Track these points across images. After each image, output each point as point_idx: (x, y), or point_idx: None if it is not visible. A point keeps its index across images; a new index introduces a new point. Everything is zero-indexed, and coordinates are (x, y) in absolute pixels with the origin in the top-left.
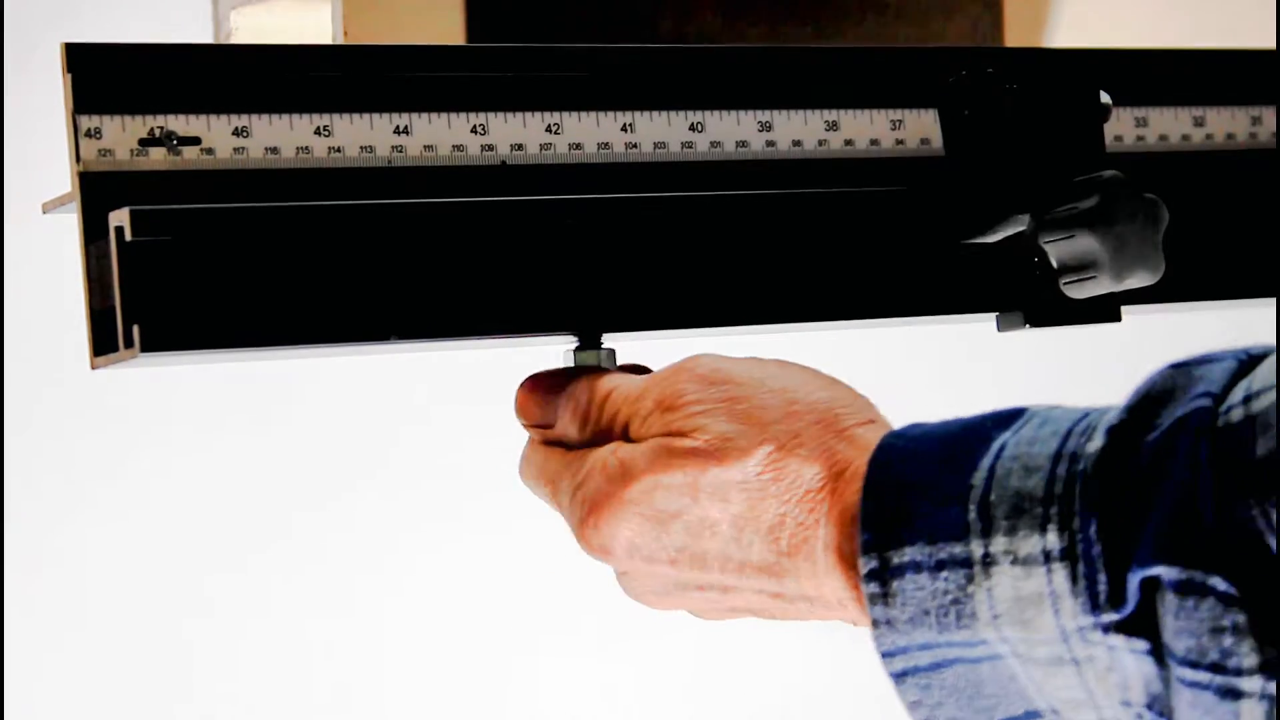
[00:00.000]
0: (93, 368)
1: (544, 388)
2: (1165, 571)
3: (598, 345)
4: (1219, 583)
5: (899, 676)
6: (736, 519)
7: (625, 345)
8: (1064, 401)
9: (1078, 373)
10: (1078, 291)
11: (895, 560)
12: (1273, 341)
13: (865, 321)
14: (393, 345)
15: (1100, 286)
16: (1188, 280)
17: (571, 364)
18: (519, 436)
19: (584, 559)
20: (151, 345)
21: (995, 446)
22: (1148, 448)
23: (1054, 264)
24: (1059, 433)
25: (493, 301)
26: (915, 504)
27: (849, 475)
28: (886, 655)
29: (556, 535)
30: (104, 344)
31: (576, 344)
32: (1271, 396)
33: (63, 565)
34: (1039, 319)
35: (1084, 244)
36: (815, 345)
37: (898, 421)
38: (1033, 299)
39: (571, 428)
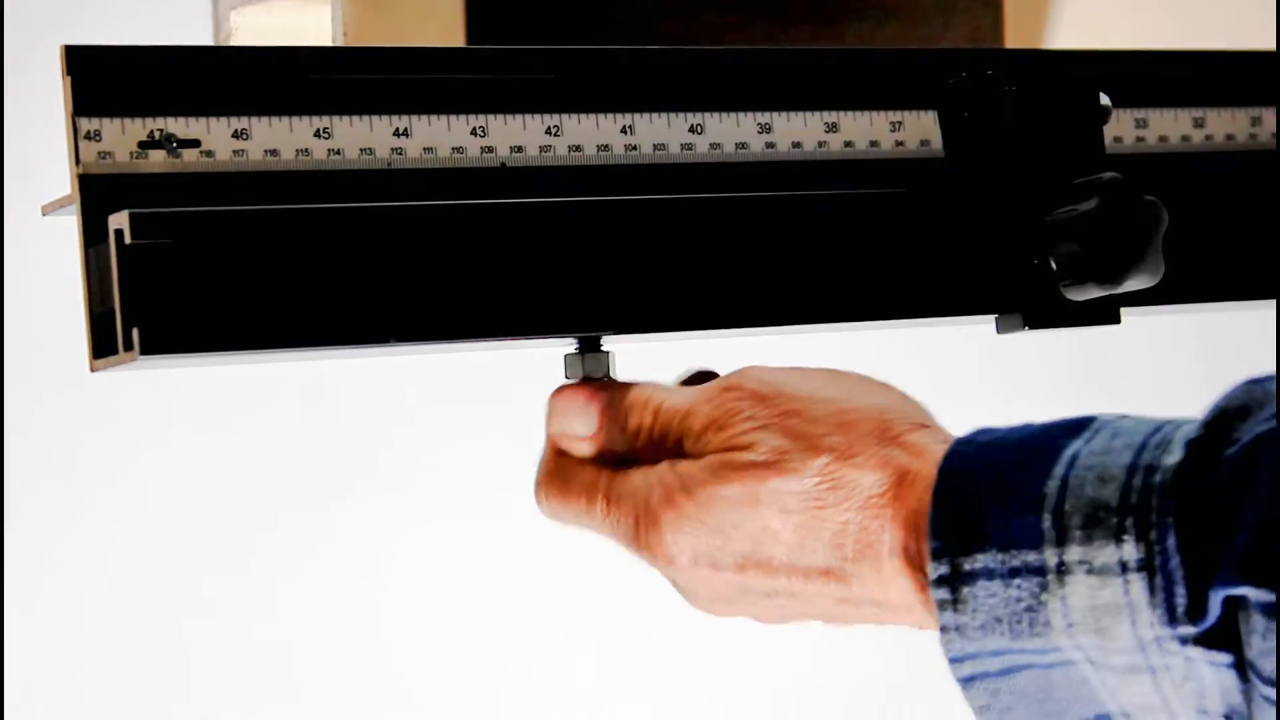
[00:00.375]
0: (92, 370)
1: (586, 397)
2: (1252, 593)
3: (598, 348)
4: None
5: (967, 681)
6: (799, 527)
7: (625, 347)
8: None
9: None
10: (1077, 293)
11: (967, 567)
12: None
13: (865, 323)
14: (392, 348)
15: (1100, 288)
16: (1188, 280)
17: (572, 368)
18: (517, 437)
19: (581, 560)
20: (151, 348)
21: (1067, 455)
22: (1228, 462)
23: (1053, 265)
24: (1133, 445)
25: (492, 304)
26: (987, 511)
27: (910, 480)
28: (955, 660)
29: (550, 534)
30: (103, 346)
31: (576, 347)
32: None
33: (62, 565)
34: (1038, 321)
35: (1083, 246)
36: (815, 346)
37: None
38: (1032, 301)
39: (619, 440)
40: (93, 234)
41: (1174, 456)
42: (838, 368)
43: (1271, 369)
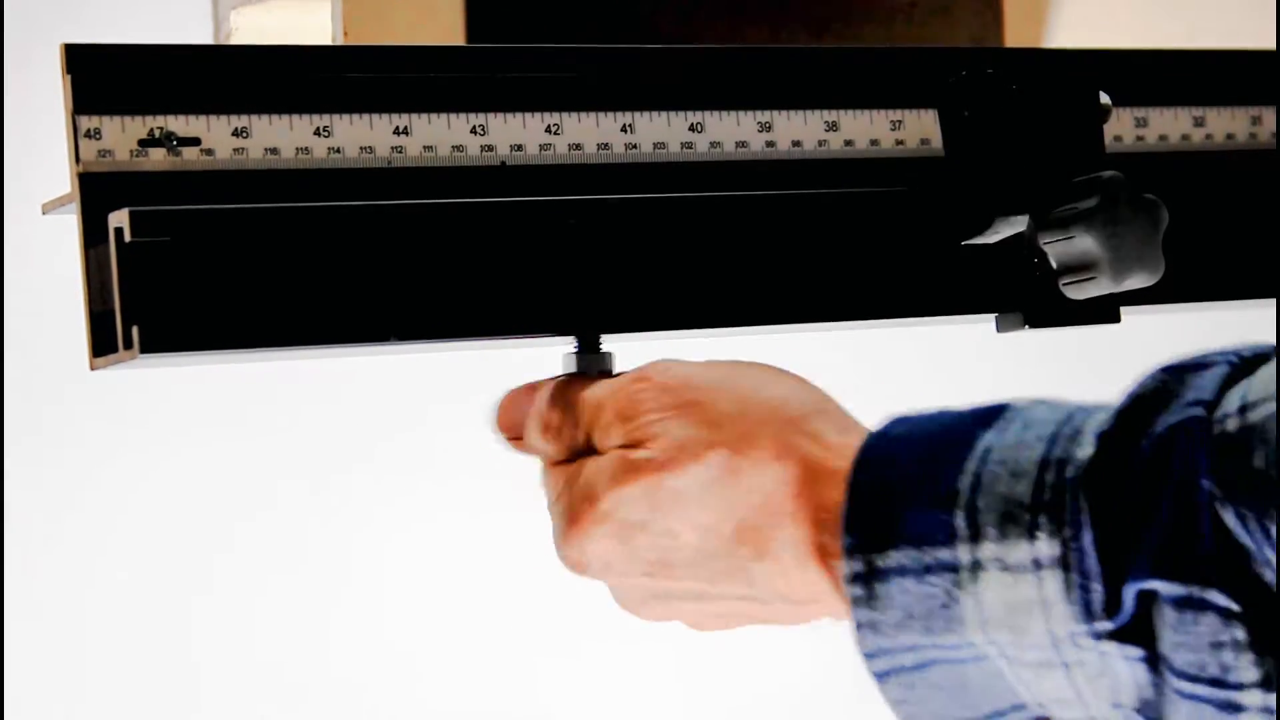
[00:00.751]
0: (92, 368)
1: (518, 401)
2: (1164, 586)
3: (597, 347)
4: (1218, 598)
5: (882, 676)
6: (698, 528)
7: (625, 347)
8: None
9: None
10: (1077, 292)
11: (880, 564)
12: (1265, 342)
13: (865, 322)
14: (392, 347)
15: (1100, 287)
16: (1188, 280)
17: (571, 367)
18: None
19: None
20: (151, 346)
21: (980, 448)
22: (1140, 456)
23: (1053, 265)
24: (1044, 436)
25: (492, 303)
26: (900, 508)
27: (814, 470)
28: (869, 656)
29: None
30: (103, 345)
31: (575, 346)
32: (1270, 407)
33: (61, 564)
34: (1038, 320)
35: (1084, 245)
36: (816, 346)
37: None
38: (1032, 300)
39: (544, 442)
40: (93, 232)
41: (1086, 450)
42: (749, 360)
43: (1178, 357)
